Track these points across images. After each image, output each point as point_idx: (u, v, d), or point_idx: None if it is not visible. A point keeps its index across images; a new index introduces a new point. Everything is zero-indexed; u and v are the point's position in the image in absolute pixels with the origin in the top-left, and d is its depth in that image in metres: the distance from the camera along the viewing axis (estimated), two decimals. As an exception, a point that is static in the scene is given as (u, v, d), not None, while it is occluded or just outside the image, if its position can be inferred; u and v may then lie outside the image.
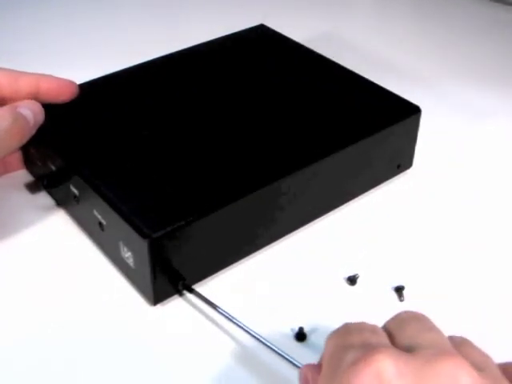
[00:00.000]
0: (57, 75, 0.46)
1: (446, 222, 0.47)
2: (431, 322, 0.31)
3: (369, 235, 0.45)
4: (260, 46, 0.56)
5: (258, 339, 0.36)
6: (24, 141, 0.42)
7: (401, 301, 0.41)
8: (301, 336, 0.38)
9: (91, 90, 0.49)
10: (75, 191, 0.43)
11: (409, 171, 0.51)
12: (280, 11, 0.75)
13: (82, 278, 0.42)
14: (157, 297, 0.39)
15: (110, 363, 0.37)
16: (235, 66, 0.52)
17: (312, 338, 0.38)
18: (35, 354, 0.37)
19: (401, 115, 0.48)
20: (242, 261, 0.43)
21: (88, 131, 0.45)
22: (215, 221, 0.39)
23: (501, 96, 0.61)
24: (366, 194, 0.48)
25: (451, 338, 0.30)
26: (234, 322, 0.37)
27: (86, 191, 0.41)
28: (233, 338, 0.38)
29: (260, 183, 0.41)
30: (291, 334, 0.38)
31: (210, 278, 0.42)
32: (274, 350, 0.35)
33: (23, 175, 0.50)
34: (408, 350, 0.28)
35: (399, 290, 0.41)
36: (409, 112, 0.48)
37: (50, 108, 0.44)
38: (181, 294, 0.41)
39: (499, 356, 0.38)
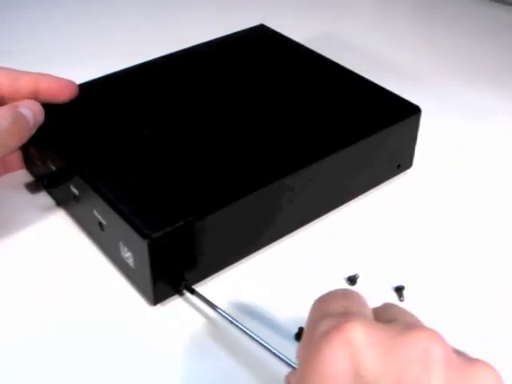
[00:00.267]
0: (57, 75, 0.46)
1: (445, 222, 0.47)
2: (414, 315, 0.31)
3: (369, 235, 0.45)
4: (260, 46, 0.56)
5: (256, 341, 0.36)
6: (24, 141, 0.42)
7: (401, 301, 0.41)
8: (301, 336, 0.38)
9: (91, 89, 0.49)
10: (75, 191, 0.43)
11: (409, 171, 0.51)
12: (280, 11, 0.75)
13: (81, 278, 0.42)
14: (157, 297, 0.39)
15: (110, 363, 0.37)
16: (235, 66, 0.52)
17: (312, 338, 0.38)
18: (35, 353, 0.37)
19: (401, 115, 0.48)
20: (242, 261, 0.43)
21: (88, 131, 0.45)
22: (215, 221, 0.39)
23: (501, 96, 0.61)
24: (366, 193, 0.48)
25: None
26: (234, 324, 0.37)
27: (86, 191, 0.41)
28: (233, 338, 0.38)
29: (260, 183, 0.41)
30: (291, 334, 0.38)
31: (210, 278, 0.42)
32: (271, 352, 0.35)
33: (23, 175, 0.50)
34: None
35: (399, 290, 0.41)
36: (409, 112, 0.48)
37: (50, 108, 0.44)
38: (181, 294, 0.41)
39: (499, 355, 0.38)
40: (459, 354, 0.27)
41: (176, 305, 0.40)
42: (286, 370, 0.35)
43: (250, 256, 0.43)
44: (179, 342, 0.38)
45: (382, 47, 0.68)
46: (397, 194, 0.49)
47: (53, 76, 0.45)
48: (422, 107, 0.48)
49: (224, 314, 0.37)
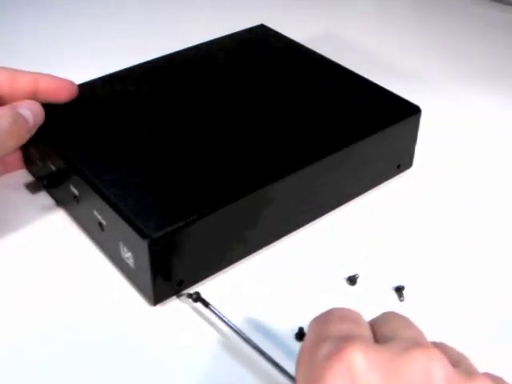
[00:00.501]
0: (57, 75, 0.46)
1: (445, 222, 0.47)
2: (414, 323, 0.31)
3: (369, 235, 0.45)
4: (260, 46, 0.56)
5: (260, 352, 0.36)
6: (23, 141, 0.42)
7: (401, 301, 0.41)
8: (301, 336, 0.38)
9: (91, 89, 0.49)
10: (75, 191, 0.43)
11: (409, 171, 0.51)
12: (280, 11, 0.75)
13: (81, 278, 0.42)
14: (157, 297, 0.39)
15: (110, 363, 0.37)
16: (235, 66, 0.52)
17: (312, 338, 0.38)
18: (35, 353, 0.37)
19: (401, 115, 0.48)
20: (243, 261, 0.43)
21: (88, 131, 0.45)
22: (215, 221, 0.39)
23: (501, 96, 0.61)
24: (366, 193, 0.48)
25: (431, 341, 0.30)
26: (244, 338, 0.36)
27: (86, 191, 0.41)
28: (232, 339, 0.38)
29: (260, 183, 0.41)
30: (291, 334, 0.38)
31: (210, 278, 0.42)
32: (272, 362, 0.35)
33: (23, 175, 0.50)
34: (385, 342, 0.28)
35: (399, 290, 0.41)
36: (409, 112, 0.48)
37: (50, 108, 0.44)
38: (178, 296, 0.40)
39: (499, 354, 0.38)
40: (458, 364, 0.27)
41: (176, 305, 0.40)
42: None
43: (250, 256, 0.43)
44: (179, 342, 0.38)
45: (381, 47, 0.68)
46: (397, 194, 0.49)
47: (52, 76, 0.45)
48: (421, 107, 0.48)
49: (234, 327, 0.37)
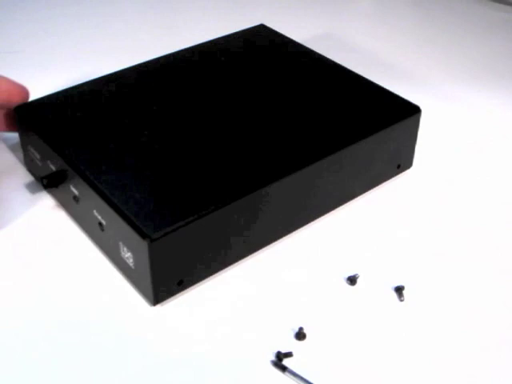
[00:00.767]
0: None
1: (445, 222, 0.47)
2: None
3: (369, 235, 0.45)
4: (260, 46, 0.56)
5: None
6: None
7: (401, 301, 0.41)
8: (301, 336, 0.38)
9: (91, 89, 0.49)
10: (75, 191, 0.43)
11: (409, 171, 0.51)
12: (280, 11, 0.75)
13: (81, 278, 0.42)
14: (157, 297, 0.39)
15: (110, 363, 0.37)
16: (235, 65, 0.52)
17: (312, 338, 0.38)
18: (35, 353, 0.37)
19: (401, 115, 0.48)
20: (243, 261, 0.43)
21: (88, 131, 0.45)
22: (215, 221, 0.39)
23: (501, 96, 0.61)
24: (366, 193, 0.48)
25: None
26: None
27: (85, 191, 0.42)
28: (233, 339, 0.38)
29: (260, 183, 0.41)
30: (291, 334, 0.38)
31: (210, 278, 0.42)
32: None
33: (23, 175, 0.50)
34: None
35: (399, 290, 0.41)
36: (409, 112, 0.48)
37: (50, 108, 0.44)
38: (172, 293, 0.40)
39: (500, 354, 0.38)
40: None
41: (176, 305, 0.40)
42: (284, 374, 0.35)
43: (250, 256, 0.43)
44: (179, 342, 0.38)
45: (382, 47, 0.68)
46: (397, 194, 0.49)
47: (7, 79, 0.46)
48: (421, 107, 0.48)
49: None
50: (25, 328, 0.39)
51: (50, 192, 0.48)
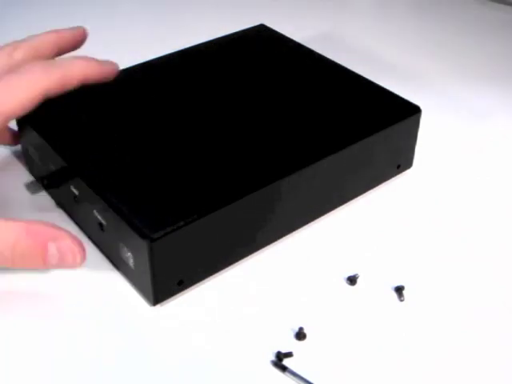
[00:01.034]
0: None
1: (445, 222, 0.47)
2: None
3: (369, 235, 0.45)
4: (260, 46, 0.56)
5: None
6: None
7: (401, 301, 0.41)
8: (301, 336, 0.38)
9: (90, 89, 0.49)
10: (75, 191, 0.43)
11: (409, 171, 0.51)
12: (280, 11, 0.75)
13: (81, 278, 0.42)
14: (157, 297, 0.39)
15: (109, 363, 0.37)
16: (235, 66, 0.53)
17: (312, 338, 0.38)
18: (35, 353, 0.37)
19: (401, 115, 0.48)
20: (242, 261, 0.43)
21: (88, 131, 0.45)
22: (215, 221, 0.39)
23: (501, 96, 0.61)
24: (366, 193, 0.48)
25: None
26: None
27: (86, 191, 0.42)
28: (233, 338, 0.38)
29: (260, 183, 0.41)
30: (291, 334, 0.38)
31: (210, 278, 0.42)
32: None
33: (23, 175, 0.50)
34: None
35: (399, 290, 0.41)
36: (409, 112, 0.48)
37: (50, 106, 0.44)
38: (172, 293, 0.40)
39: (501, 354, 0.38)
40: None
41: (176, 304, 0.40)
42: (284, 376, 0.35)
43: (250, 256, 0.43)
44: (179, 342, 0.38)
45: (381, 47, 0.68)
46: (397, 194, 0.49)
47: (83, 60, 0.44)
48: (422, 107, 0.48)
49: None
50: (23, 327, 0.39)
51: (49, 192, 0.48)
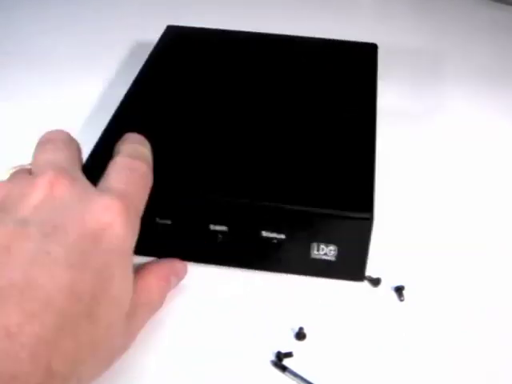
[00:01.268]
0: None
1: (445, 222, 0.46)
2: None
3: (369, 235, 0.45)
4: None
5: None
6: None
7: (401, 301, 0.41)
8: (301, 336, 0.38)
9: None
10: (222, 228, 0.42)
11: (409, 172, 0.51)
12: (280, 11, 0.74)
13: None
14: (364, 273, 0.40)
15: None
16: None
17: (312, 338, 0.38)
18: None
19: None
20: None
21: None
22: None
23: (501, 96, 0.61)
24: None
25: None
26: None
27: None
28: (233, 339, 0.38)
29: None
30: (291, 334, 0.38)
31: (209, 277, 0.42)
32: None
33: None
34: None
35: (399, 290, 0.41)
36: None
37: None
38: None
39: (502, 355, 0.38)
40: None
41: (176, 304, 0.40)
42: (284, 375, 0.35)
43: (250, 256, 0.43)
44: (179, 342, 0.38)
45: (382, 47, 0.68)
46: (397, 194, 0.49)
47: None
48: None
49: None
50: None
51: None
